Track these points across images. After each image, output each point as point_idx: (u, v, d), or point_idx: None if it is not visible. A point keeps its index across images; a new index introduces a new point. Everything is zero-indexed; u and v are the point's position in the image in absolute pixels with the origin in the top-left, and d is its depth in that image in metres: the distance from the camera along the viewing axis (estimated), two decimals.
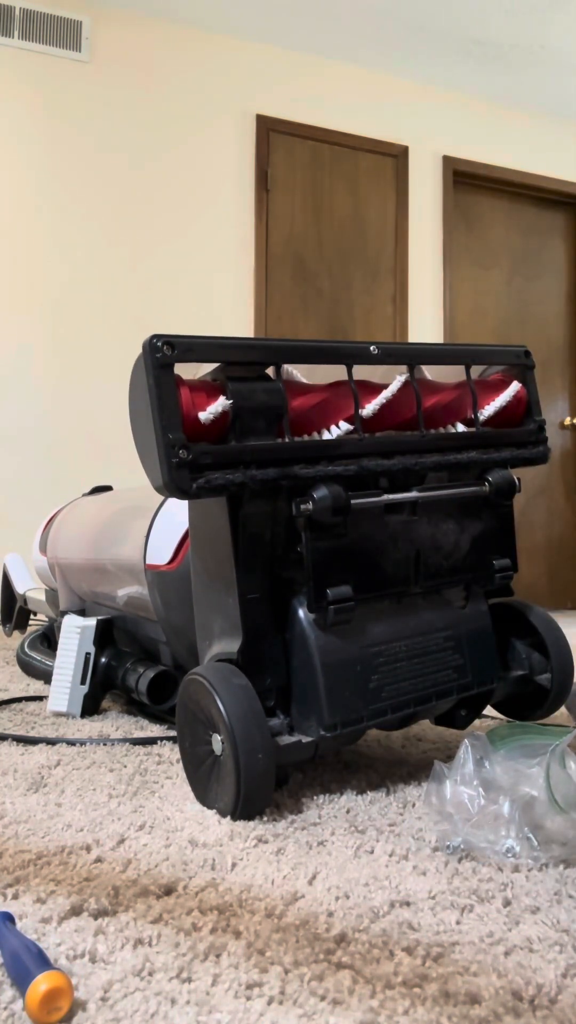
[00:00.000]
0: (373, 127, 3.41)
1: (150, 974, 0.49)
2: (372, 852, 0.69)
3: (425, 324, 3.48)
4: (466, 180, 3.62)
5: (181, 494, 0.76)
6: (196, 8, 3.02)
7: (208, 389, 0.79)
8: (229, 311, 3.14)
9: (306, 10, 3.03)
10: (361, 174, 3.40)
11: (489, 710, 1.24)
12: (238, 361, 0.81)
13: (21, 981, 0.46)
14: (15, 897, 0.60)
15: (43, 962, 0.47)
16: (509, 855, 0.66)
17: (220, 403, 0.78)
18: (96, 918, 0.57)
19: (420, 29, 3.13)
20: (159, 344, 0.76)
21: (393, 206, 3.44)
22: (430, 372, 0.95)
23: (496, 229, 3.73)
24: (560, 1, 2.95)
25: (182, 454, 0.75)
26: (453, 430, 0.94)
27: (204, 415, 0.77)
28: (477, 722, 1.17)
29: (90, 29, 2.98)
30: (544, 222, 3.84)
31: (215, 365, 0.82)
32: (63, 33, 2.94)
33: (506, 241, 3.75)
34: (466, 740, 0.74)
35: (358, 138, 3.38)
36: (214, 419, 0.78)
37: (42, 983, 0.44)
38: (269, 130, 3.22)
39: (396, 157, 3.45)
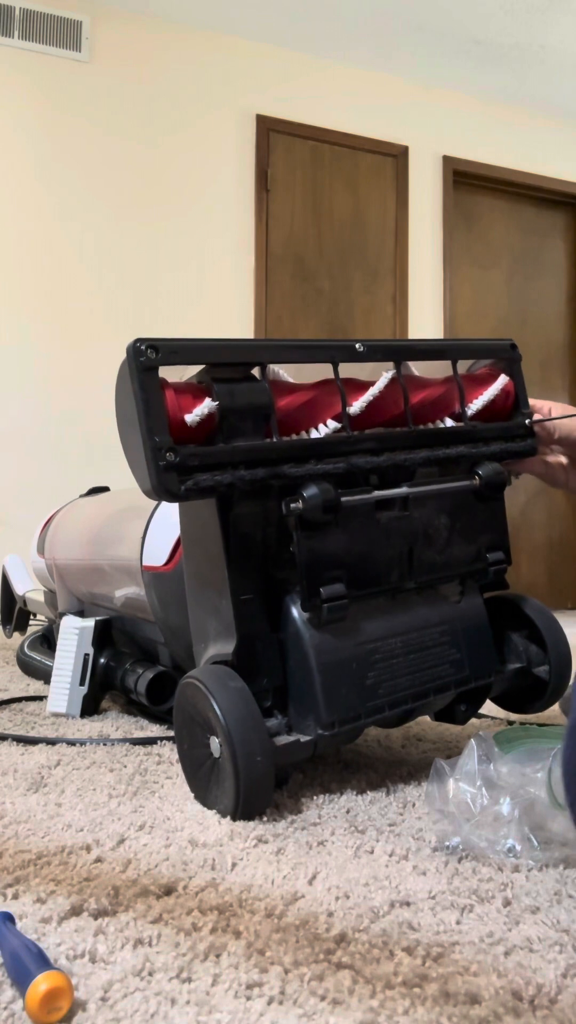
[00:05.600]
0: (373, 127, 3.41)
1: (150, 974, 0.49)
2: (372, 852, 0.69)
3: (425, 324, 3.48)
4: (466, 180, 3.62)
5: (169, 497, 0.75)
6: (196, 8, 3.02)
7: (194, 391, 0.79)
8: (229, 311, 3.14)
9: (306, 10, 3.03)
10: (361, 174, 3.40)
11: (490, 708, 1.24)
12: (223, 362, 0.81)
13: (21, 981, 0.46)
14: (15, 897, 0.60)
15: (43, 962, 0.47)
16: (510, 855, 0.66)
17: (206, 405, 0.78)
18: (96, 918, 0.57)
19: (420, 29, 3.13)
20: (143, 348, 0.75)
21: (393, 206, 3.44)
22: (418, 368, 0.95)
23: (496, 229, 3.74)
24: (560, 1, 2.95)
25: (169, 457, 0.75)
26: (442, 425, 0.94)
27: (190, 417, 0.77)
28: (477, 721, 1.17)
29: (90, 29, 2.99)
30: (544, 222, 3.84)
31: (201, 367, 0.81)
32: (63, 33, 2.94)
33: (506, 241, 3.75)
34: (472, 739, 0.74)
35: (358, 138, 3.38)
36: (201, 421, 0.78)
37: (42, 983, 0.44)
38: (269, 130, 3.22)
39: (396, 157, 3.45)
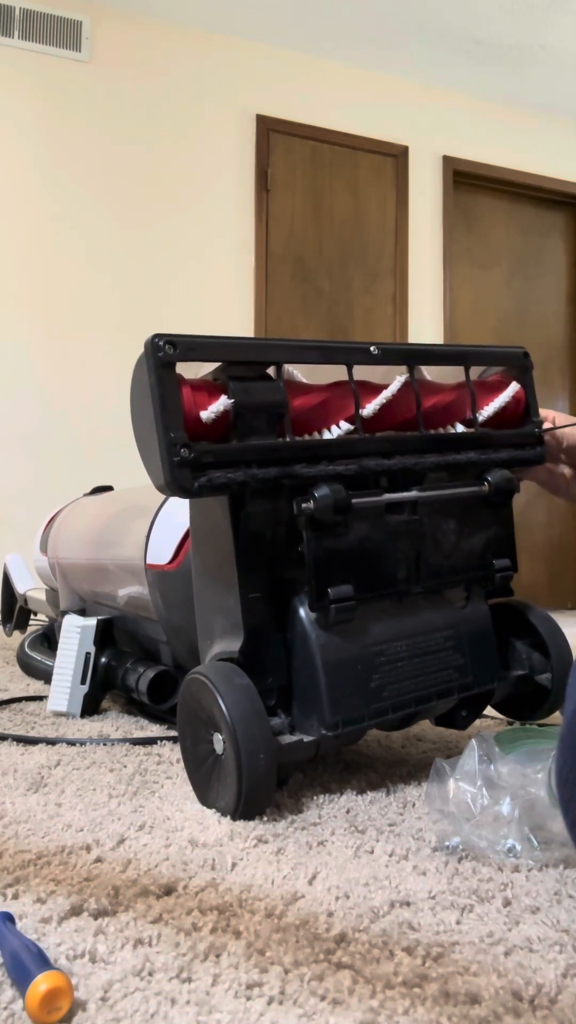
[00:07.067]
0: (373, 127, 3.41)
1: (150, 974, 0.49)
2: (372, 852, 0.69)
3: (425, 324, 3.48)
4: (466, 180, 3.62)
5: (183, 493, 0.76)
6: (196, 8, 3.02)
7: (210, 388, 0.79)
8: (229, 311, 3.14)
9: (306, 10, 3.03)
10: (361, 174, 3.40)
11: (490, 710, 1.24)
12: (240, 360, 0.81)
13: (21, 981, 0.46)
14: (15, 897, 0.60)
15: (43, 962, 0.47)
16: (511, 855, 0.66)
17: (222, 402, 0.78)
18: (96, 918, 0.57)
19: (420, 29, 3.13)
20: (161, 343, 0.75)
21: (393, 206, 3.44)
22: (430, 373, 0.95)
23: (496, 229, 3.74)
24: (560, 1, 2.95)
25: (184, 453, 0.75)
26: (452, 430, 0.94)
27: (206, 414, 0.77)
28: (478, 723, 1.17)
29: (90, 29, 2.99)
30: (544, 222, 3.84)
31: (216, 364, 0.82)
32: (63, 33, 2.94)
33: (506, 241, 3.75)
34: (473, 740, 0.74)
35: (358, 138, 3.38)
36: (216, 418, 0.78)
37: (42, 983, 0.44)
38: (269, 130, 3.22)
39: (396, 157, 3.45)
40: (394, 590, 0.87)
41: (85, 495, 1.71)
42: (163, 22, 3.08)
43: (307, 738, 0.80)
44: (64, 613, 1.34)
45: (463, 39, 3.20)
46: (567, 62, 3.34)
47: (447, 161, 3.55)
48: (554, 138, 3.77)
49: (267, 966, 0.50)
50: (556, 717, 1.16)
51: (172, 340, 0.76)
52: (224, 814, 0.77)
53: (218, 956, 0.51)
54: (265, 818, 0.77)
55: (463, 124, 3.59)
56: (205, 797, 0.81)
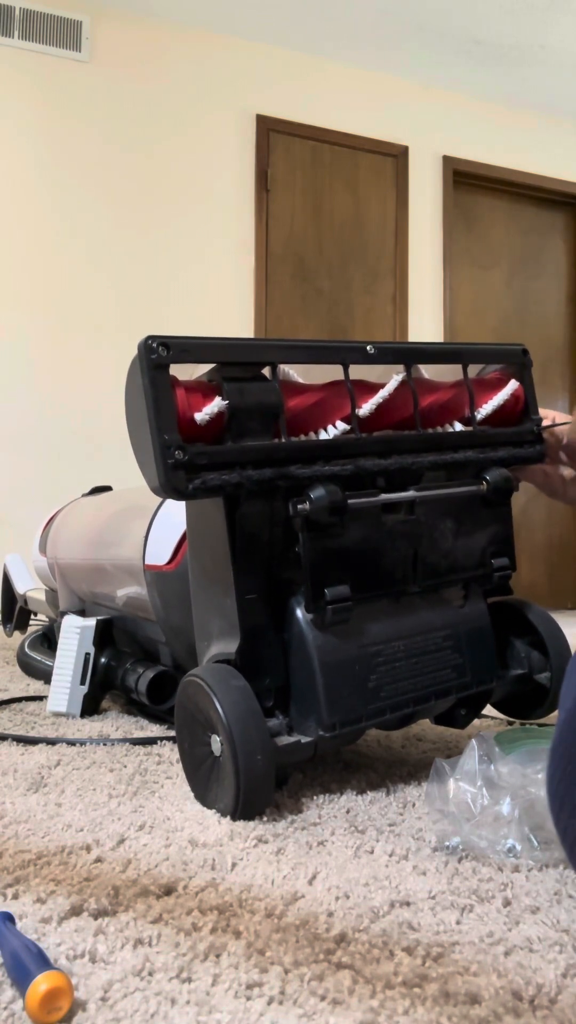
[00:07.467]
0: (373, 127, 3.41)
1: (150, 974, 0.49)
2: (372, 852, 0.69)
3: (425, 324, 3.48)
4: (466, 180, 3.62)
5: (177, 495, 0.76)
6: (196, 8, 3.02)
7: (204, 390, 0.79)
8: (229, 311, 3.14)
9: (306, 10, 3.03)
10: (361, 174, 3.40)
11: (489, 710, 1.24)
12: (234, 361, 0.81)
13: (21, 981, 0.46)
14: (15, 897, 0.60)
15: (43, 962, 0.47)
16: (511, 855, 0.66)
17: (216, 404, 0.78)
18: (96, 918, 0.57)
19: (420, 29, 3.13)
20: (154, 345, 0.75)
21: (393, 206, 3.44)
22: (427, 371, 0.95)
23: (496, 229, 3.73)
24: (560, 1, 2.95)
25: (178, 455, 0.75)
26: (450, 429, 0.94)
27: (200, 416, 0.77)
28: (477, 722, 1.17)
29: (90, 29, 2.99)
30: (544, 222, 3.84)
31: (211, 366, 0.81)
32: (63, 33, 2.94)
33: (506, 241, 3.75)
34: (473, 740, 0.74)
35: (358, 138, 3.38)
36: (210, 420, 0.78)
37: (42, 983, 0.44)
38: (269, 130, 3.22)
39: (396, 157, 3.45)
40: (391, 590, 0.87)
41: (83, 495, 1.71)
42: (163, 22, 3.08)
43: (305, 739, 0.80)
44: (63, 613, 1.34)
45: (463, 39, 3.20)
46: (567, 62, 3.34)
47: (447, 161, 3.55)
48: (554, 138, 3.77)
49: (267, 966, 0.50)
50: (555, 716, 1.16)
51: (165, 342, 0.76)
52: (223, 815, 0.77)
53: (218, 956, 0.51)
54: (265, 818, 0.77)
55: (463, 124, 3.59)
56: (204, 798, 0.81)
